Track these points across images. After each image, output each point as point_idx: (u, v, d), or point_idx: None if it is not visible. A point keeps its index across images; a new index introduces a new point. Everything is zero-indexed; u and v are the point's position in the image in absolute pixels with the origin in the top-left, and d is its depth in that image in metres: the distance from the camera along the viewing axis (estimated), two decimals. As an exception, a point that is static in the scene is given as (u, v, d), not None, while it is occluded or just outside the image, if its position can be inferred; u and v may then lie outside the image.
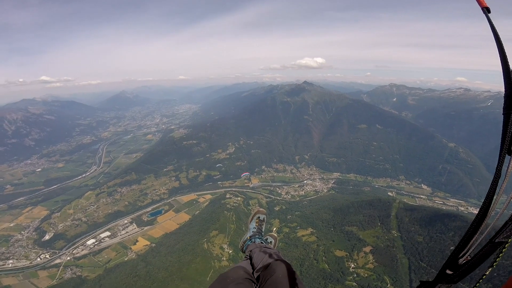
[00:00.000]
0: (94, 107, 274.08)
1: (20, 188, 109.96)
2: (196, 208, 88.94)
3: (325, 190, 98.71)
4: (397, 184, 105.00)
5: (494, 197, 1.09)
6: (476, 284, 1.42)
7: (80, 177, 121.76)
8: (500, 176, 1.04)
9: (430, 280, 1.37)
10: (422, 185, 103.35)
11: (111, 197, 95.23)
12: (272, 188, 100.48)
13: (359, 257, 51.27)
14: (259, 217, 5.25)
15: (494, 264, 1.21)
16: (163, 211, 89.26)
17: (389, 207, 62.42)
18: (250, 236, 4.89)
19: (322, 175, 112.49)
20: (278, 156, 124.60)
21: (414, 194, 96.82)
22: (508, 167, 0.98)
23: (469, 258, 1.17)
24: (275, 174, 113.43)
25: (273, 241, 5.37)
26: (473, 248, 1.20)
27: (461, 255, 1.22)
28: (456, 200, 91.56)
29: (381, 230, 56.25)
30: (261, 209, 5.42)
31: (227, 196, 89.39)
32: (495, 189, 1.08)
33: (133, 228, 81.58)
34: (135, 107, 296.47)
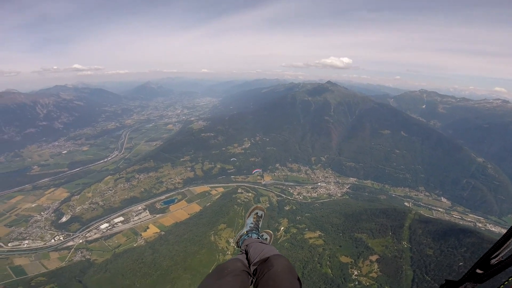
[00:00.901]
0: (121, 96, 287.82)
1: (46, 169, 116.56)
2: (208, 200, 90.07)
3: (339, 194, 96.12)
4: (415, 195, 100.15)
5: None
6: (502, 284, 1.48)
7: (102, 161, 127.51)
8: None
9: (456, 280, 1.40)
10: (442, 198, 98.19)
11: (128, 183, 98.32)
12: (284, 187, 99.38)
13: (364, 265, 49.44)
14: (257, 213, 5.26)
15: None
16: (176, 200, 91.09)
17: (403, 218, 59.51)
18: (247, 231, 4.89)
19: (337, 179, 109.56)
20: (294, 156, 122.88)
21: (432, 207, 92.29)
22: None
23: (501, 259, 1.20)
24: (288, 173, 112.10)
25: (268, 237, 5.34)
26: (507, 250, 1.22)
27: (494, 255, 1.25)
28: (475, 216, 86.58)
29: (391, 240, 53.77)
30: (259, 205, 5.40)
31: (238, 191, 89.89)
32: None
33: (145, 215, 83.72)
34: (158, 97, 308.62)
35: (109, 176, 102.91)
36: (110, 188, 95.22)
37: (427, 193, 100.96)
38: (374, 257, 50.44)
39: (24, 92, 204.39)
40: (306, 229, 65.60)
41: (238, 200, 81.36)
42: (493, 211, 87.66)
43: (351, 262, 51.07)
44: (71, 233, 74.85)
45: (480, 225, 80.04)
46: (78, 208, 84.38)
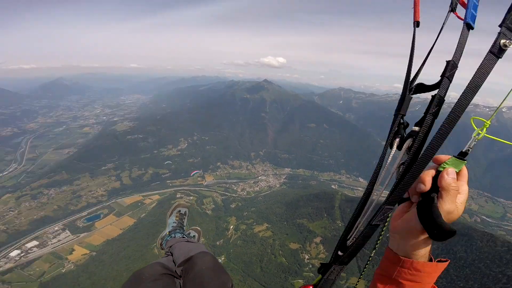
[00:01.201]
0: (22, 94, 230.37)
1: None
2: (142, 210, 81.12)
3: (278, 185, 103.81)
4: (339, 178, 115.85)
5: (376, 183, 1.35)
6: (365, 266, 1.63)
7: None
8: (382, 166, 1.27)
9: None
10: (360, 178, 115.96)
11: (35, 201, 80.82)
12: (227, 185, 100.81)
13: (312, 248, 55.80)
14: (179, 211, 4.93)
15: (376, 246, 1.43)
16: (101, 216, 78.88)
17: (333, 199, 68.72)
18: (169, 232, 4.51)
19: (275, 171, 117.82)
20: (235, 153, 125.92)
21: (353, 187, 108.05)
22: (388, 158, 1.24)
23: (354, 239, 1.32)
24: (230, 171, 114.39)
25: (196, 235, 5.06)
26: (358, 230, 1.35)
27: (348, 237, 1.36)
28: (386, 191, 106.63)
29: (327, 221, 62.06)
30: (182, 203, 5.35)
31: (177, 196, 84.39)
32: (377, 177, 1.32)
33: (66, 235, 70.75)
34: (72, 96, 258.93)
35: (8, 195, 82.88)
36: (12, 209, 76.99)
37: (347, 176, 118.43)
38: (318, 239, 57.31)
39: None
40: (254, 224, 69.05)
41: None
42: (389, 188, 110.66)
43: (300, 247, 56.88)
44: None
45: None
46: None
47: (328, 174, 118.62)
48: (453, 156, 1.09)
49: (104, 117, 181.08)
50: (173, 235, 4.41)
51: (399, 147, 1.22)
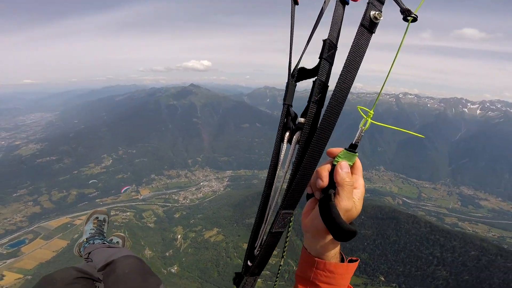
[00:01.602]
0: None
1: None
2: (74, 231, 72.32)
3: (222, 189, 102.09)
4: None
5: (272, 186, 1.13)
6: (277, 274, 1.47)
7: None
8: (277, 164, 1.09)
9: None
10: None
11: None
12: (167, 196, 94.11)
13: None
14: (97, 217, 4.43)
15: (284, 254, 1.24)
16: (27, 241, 71.14)
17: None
18: (87, 238, 3.99)
19: (216, 175, 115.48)
20: (169, 162, 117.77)
21: None
22: (282, 153, 1.06)
23: (259, 249, 1.16)
24: (168, 181, 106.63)
25: (120, 241, 4.63)
26: (263, 238, 1.17)
27: (255, 246, 1.21)
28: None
29: (273, 216, 64.21)
30: (99, 209, 4.75)
31: (112, 213, 76.86)
32: (274, 177, 1.11)
33: None
34: None
35: None
36: None
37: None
38: None
39: None
40: (204, 230, 66.22)
41: (115, 223, 69.27)
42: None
43: None
44: None
45: None
46: None
47: (266, 171, 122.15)
48: (344, 148, 1.02)
49: (3, 142, 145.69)
50: (91, 242, 3.89)
51: (290, 141, 1.07)
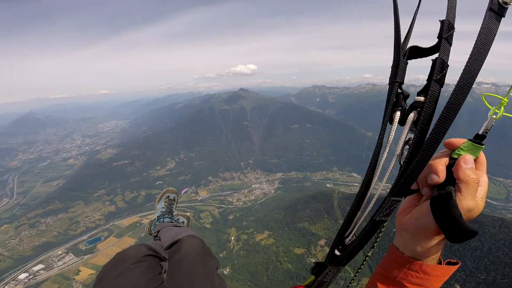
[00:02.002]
0: None
1: None
2: (142, 230, 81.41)
3: (272, 191, 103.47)
4: (332, 176, 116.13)
5: (376, 171, 1.07)
6: (360, 266, 1.40)
7: None
8: (382, 146, 1.03)
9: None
10: (353, 173, 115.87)
11: (34, 229, 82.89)
12: (222, 198, 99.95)
13: (317, 251, 55.40)
14: (168, 196, 4.78)
15: (375, 244, 1.21)
16: (102, 238, 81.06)
17: (330, 199, 69.37)
18: (158, 216, 4.39)
19: (267, 177, 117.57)
20: (224, 165, 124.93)
21: (349, 183, 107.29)
22: (389, 136, 0.98)
23: (353, 238, 1.13)
24: (223, 183, 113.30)
25: (185, 221, 4.92)
26: (357, 226, 1.15)
27: (346, 234, 1.18)
28: (384, 184, 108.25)
29: (329, 222, 62.12)
30: (170, 188, 5.01)
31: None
32: (377, 161, 1.04)
33: (70, 258, 72.75)
34: (48, 129, 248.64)
35: (6, 225, 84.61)
36: (12, 237, 79.21)
37: (340, 172, 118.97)
38: (322, 242, 57.07)
39: None
40: (255, 232, 68.29)
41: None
42: (394, 176, 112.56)
43: (305, 251, 56.49)
44: None
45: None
46: None
47: (320, 173, 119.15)
48: (469, 139, 0.92)
49: (86, 147, 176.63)
50: (161, 220, 4.29)
51: (402, 122, 0.97)
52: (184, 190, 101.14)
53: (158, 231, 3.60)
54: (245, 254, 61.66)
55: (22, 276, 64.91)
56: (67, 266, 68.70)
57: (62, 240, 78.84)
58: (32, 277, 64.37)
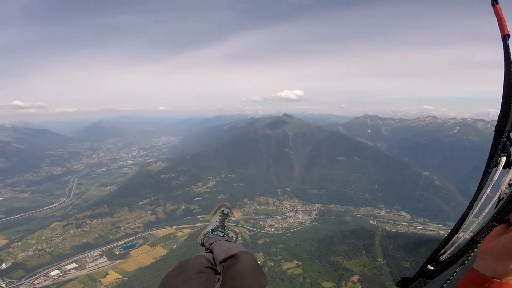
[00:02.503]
0: (68, 137, 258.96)
1: None
2: (174, 242, 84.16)
3: (308, 222, 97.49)
4: (377, 213, 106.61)
5: (478, 201, 1.19)
6: (446, 281, 1.61)
7: (47, 207, 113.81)
8: (485, 184, 1.13)
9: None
10: (402, 212, 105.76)
11: (79, 229, 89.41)
12: (255, 221, 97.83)
13: (348, 287, 49.48)
14: (223, 211, 5.01)
15: (465, 262, 1.32)
16: (137, 245, 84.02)
17: (372, 235, 62.64)
18: (212, 229, 4.65)
19: (304, 207, 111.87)
20: (261, 189, 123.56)
21: (395, 221, 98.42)
22: (493, 177, 1.09)
23: (449, 256, 1.26)
24: (258, 207, 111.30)
25: (234, 236, 5.10)
26: (453, 246, 1.29)
27: (442, 252, 1.31)
28: (436, 225, 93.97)
29: (367, 259, 55.58)
30: (225, 203, 5.21)
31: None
32: (479, 194, 1.16)
33: (103, 261, 75.91)
34: (111, 138, 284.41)
35: (56, 223, 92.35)
36: (58, 235, 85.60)
37: (387, 210, 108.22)
38: (355, 278, 51.04)
39: None
40: (283, 260, 64.08)
41: None
42: (450, 218, 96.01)
43: (334, 286, 50.72)
44: (15, 280, 65.37)
45: (442, 232, 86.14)
46: (20, 255, 74.43)
47: (364, 209, 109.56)
48: None
49: (140, 159, 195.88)
50: (215, 233, 4.49)
51: (507, 166, 1.09)
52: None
53: (211, 244, 3.77)
54: (270, 281, 57.11)
55: (54, 273, 68.89)
56: (97, 268, 72.00)
57: (101, 243, 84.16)
58: (62, 275, 68.22)
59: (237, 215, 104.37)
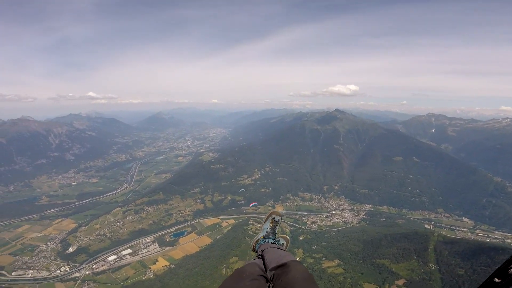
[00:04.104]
0: (132, 126, 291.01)
1: (54, 200, 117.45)
2: (218, 232, 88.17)
3: (355, 222, 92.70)
4: (434, 217, 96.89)
5: None
6: None
7: (111, 193, 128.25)
8: None
9: None
10: (464, 218, 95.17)
11: (137, 215, 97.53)
12: (297, 217, 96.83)
13: None
14: (274, 218, 5.18)
15: None
16: (185, 233, 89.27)
17: (426, 240, 56.86)
18: (263, 236, 4.83)
19: (352, 206, 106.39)
20: (305, 185, 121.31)
21: (454, 227, 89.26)
22: None
23: None
24: (301, 203, 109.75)
25: (285, 243, 5.17)
26: None
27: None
28: (502, 233, 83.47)
29: (416, 263, 50.94)
30: (276, 211, 5.39)
31: (249, 222, 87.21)
32: None
33: (154, 247, 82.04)
34: (169, 128, 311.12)
35: (118, 208, 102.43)
36: (119, 220, 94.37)
37: (446, 215, 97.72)
38: (401, 282, 47.53)
39: (39, 120, 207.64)
40: (324, 258, 62.49)
41: (249, 232, 77.92)
42: None
43: None
44: (78, 264, 73.05)
45: (509, 241, 77.44)
46: (85, 239, 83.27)
47: (420, 213, 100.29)
48: None
49: (194, 148, 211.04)
50: (266, 240, 4.74)
51: None
52: (252, 204, 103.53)
53: (263, 250, 4.04)
54: (307, 276, 56.30)
55: (111, 258, 75.92)
56: (149, 255, 78.25)
57: (154, 229, 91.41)
58: (118, 260, 75.06)
59: (278, 209, 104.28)
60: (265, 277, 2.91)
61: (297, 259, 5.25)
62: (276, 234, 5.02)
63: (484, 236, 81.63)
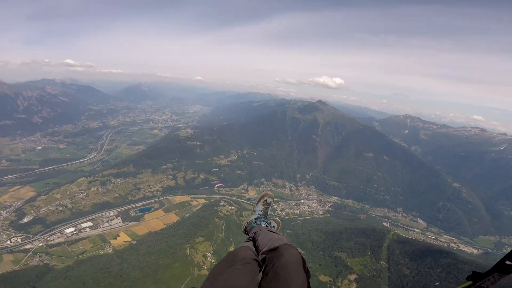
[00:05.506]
0: (109, 95, 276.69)
1: (15, 165, 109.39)
2: (187, 210, 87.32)
3: (321, 212, 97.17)
4: (393, 216, 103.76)
5: None
6: None
7: (78, 161, 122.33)
8: None
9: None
10: (419, 219, 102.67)
11: (103, 187, 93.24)
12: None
13: (343, 285, 49.88)
14: (266, 200, 5.09)
15: None
16: (152, 209, 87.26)
17: (382, 238, 61.22)
18: (255, 218, 4.76)
19: (320, 197, 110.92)
20: (280, 171, 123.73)
21: (409, 227, 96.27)
22: None
23: None
24: (273, 189, 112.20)
25: (276, 225, 5.16)
26: None
27: None
28: (448, 237, 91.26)
29: (370, 260, 55.03)
30: (269, 193, 5.26)
31: (221, 204, 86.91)
32: None
33: (117, 222, 79.39)
34: (148, 101, 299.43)
35: (83, 178, 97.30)
36: (82, 191, 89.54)
37: (404, 214, 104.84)
38: (352, 277, 51.07)
39: (9, 83, 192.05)
40: (286, 246, 65.01)
41: (219, 213, 77.72)
42: (466, 232, 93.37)
43: (330, 281, 51.29)
44: (31, 235, 69.13)
45: (453, 245, 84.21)
46: (43, 209, 78.43)
47: (381, 210, 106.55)
48: None
49: (171, 123, 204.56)
50: (258, 223, 4.62)
51: None
52: (217, 185, 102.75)
53: (255, 233, 3.95)
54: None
55: (69, 230, 72.33)
56: (110, 229, 75.46)
57: (120, 203, 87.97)
58: (76, 233, 71.73)
59: (251, 193, 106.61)
60: (257, 261, 2.91)
61: (278, 219, 5.21)
62: (267, 217, 4.98)
63: (433, 238, 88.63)
